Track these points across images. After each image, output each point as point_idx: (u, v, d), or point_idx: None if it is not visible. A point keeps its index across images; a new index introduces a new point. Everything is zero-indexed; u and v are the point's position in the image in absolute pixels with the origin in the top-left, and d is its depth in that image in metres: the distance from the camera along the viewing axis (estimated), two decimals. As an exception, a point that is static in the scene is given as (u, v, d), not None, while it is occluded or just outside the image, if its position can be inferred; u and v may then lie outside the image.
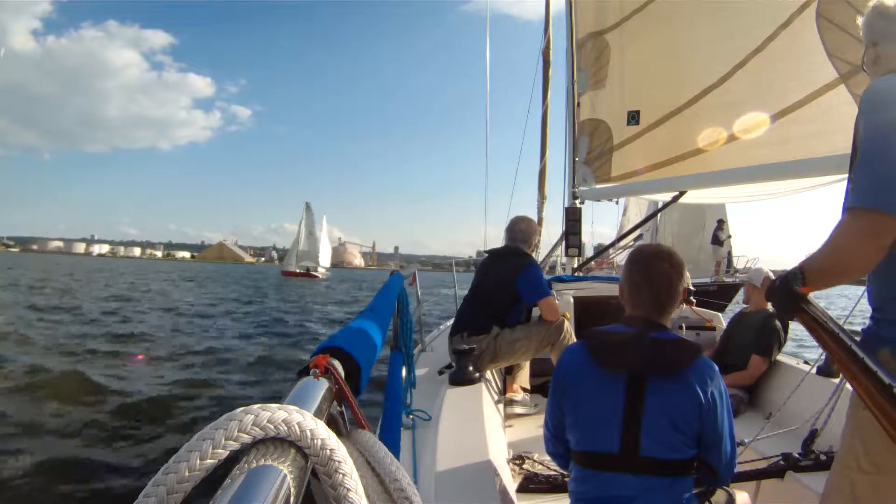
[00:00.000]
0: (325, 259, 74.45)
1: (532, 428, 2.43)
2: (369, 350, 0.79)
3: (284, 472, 0.35)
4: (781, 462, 1.92)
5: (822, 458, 1.90)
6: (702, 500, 1.25)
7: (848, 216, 1.03)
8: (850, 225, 1.03)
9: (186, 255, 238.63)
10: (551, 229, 6.29)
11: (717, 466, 1.20)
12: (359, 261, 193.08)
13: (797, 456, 1.93)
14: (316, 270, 49.02)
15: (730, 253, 13.88)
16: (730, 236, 14.12)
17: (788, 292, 1.10)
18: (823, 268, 1.09)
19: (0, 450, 4.01)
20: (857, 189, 1.02)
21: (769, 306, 2.97)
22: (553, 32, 6.11)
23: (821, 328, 1.07)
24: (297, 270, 47.84)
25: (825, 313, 1.09)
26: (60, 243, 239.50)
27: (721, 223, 13.92)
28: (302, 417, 0.38)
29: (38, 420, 4.78)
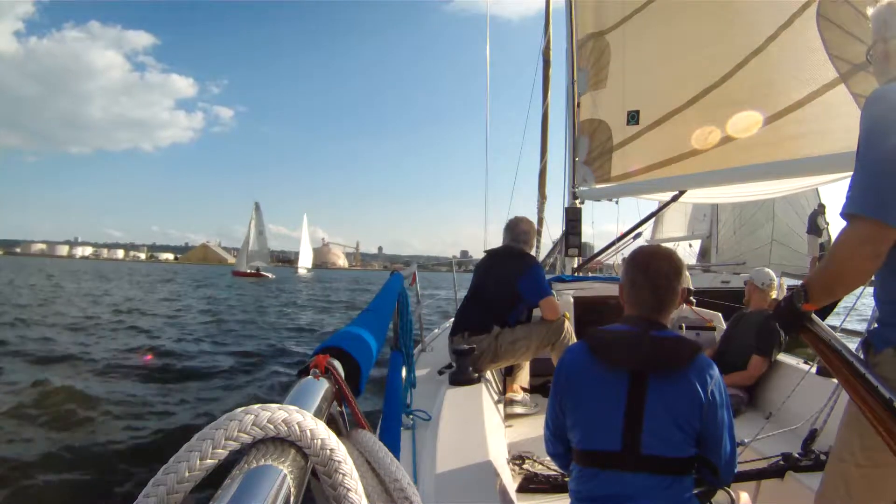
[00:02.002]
0: (306, 259, 74.32)
1: (532, 428, 2.42)
2: (369, 350, 0.79)
3: (284, 472, 0.35)
4: (781, 462, 1.92)
5: (822, 457, 1.90)
6: (702, 501, 1.25)
7: (845, 225, 1.04)
8: (845, 234, 1.04)
9: (170, 256, 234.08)
10: (552, 229, 6.30)
11: (718, 465, 1.20)
12: (342, 261, 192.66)
13: (797, 456, 1.93)
14: (266, 270, 49.76)
15: (823, 245, 10.67)
16: (828, 224, 10.70)
17: (792, 311, 1.11)
18: (823, 282, 1.10)
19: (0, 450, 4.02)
20: (850, 195, 1.03)
21: (769, 306, 2.98)
22: (553, 32, 6.11)
23: (823, 345, 1.09)
24: (248, 270, 48.28)
25: (828, 330, 1.10)
26: (44, 246, 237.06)
27: (823, 208, 10.47)
28: (302, 417, 0.38)
29: (37, 420, 4.78)
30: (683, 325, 3.31)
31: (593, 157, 4.05)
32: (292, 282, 44.54)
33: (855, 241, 1.02)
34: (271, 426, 0.37)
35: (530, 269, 2.62)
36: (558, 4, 6.60)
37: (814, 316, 1.11)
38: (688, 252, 15.11)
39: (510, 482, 1.69)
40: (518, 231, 2.80)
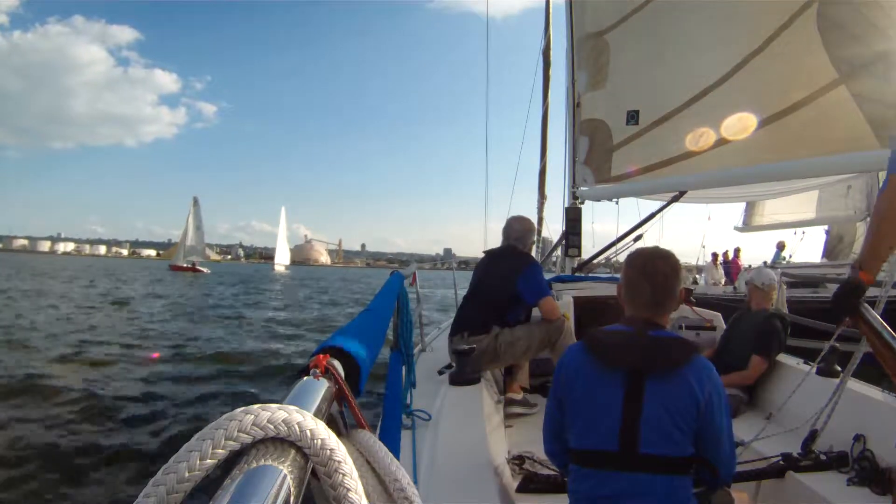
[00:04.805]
0: (283, 256, 74.06)
1: (532, 428, 2.42)
2: (369, 350, 0.79)
3: (284, 472, 0.35)
4: (781, 462, 1.92)
5: (822, 458, 1.91)
6: (702, 501, 1.25)
7: (886, 181, 1.15)
8: (887, 189, 1.14)
9: (152, 253, 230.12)
10: (552, 229, 6.29)
11: (717, 465, 1.20)
12: (325, 258, 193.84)
13: (797, 456, 1.93)
14: (202, 265, 50.71)
15: None
16: None
17: (848, 283, 1.17)
18: (871, 241, 1.18)
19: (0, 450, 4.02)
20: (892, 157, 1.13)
21: (770, 306, 2.98)
22: (553, 32, 6.11)
23: (874, 334, 1.13)
24: (185, 265, 49.12)
25: (879, 321, 1.15)
26: (25, 241, 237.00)
27: None
28: (302, 417, 0.38)
29: (36, 421, 4.78)
30: (683, 325, 3.31)
31: (593, 157, 4.05)
32: (253, 280, 40.98)
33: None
34: (271, 426, 0.37)
35: (528, 269, 2.63)
36: (558, 4, 6.61)
37: (866, 306, 1.17)
38: (813, 243, 11.61)
39: (510, 482, 1.69)
40: (511, 230, 2.81)
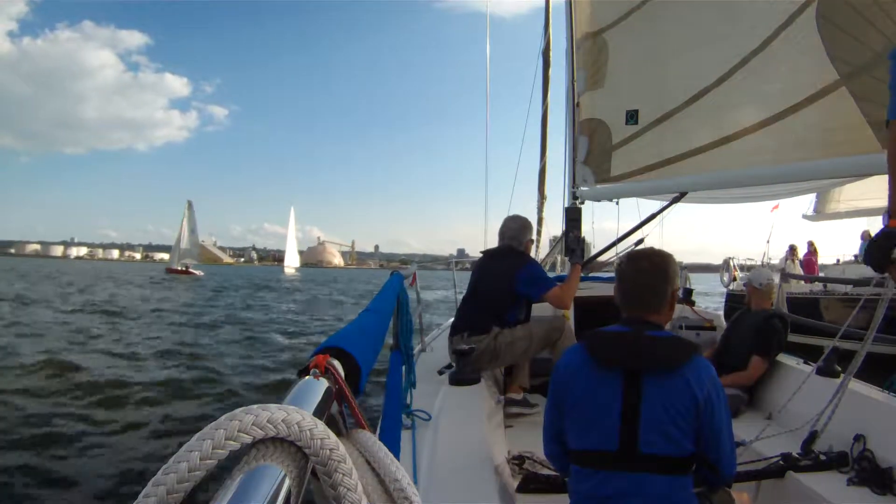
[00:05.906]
0: (293, 259, 74.29)
1: (532, 428, 2.42)
2: (369, 350, 0.79)
3: (284, 472, 0.35)
4: (781, 462, 1.92)
5: (822, 458, 1.91)
6: (702, 500, 1.25)
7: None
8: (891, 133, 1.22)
9: (165, 256, 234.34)
10: (551, 229, 6.29)
11: (718, 464, 1.20)
12: (338, 260, 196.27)
13: (797, 456, 1.93)
14: (196, 268, 51.83)
15: None
16: None
17: (881, 234, 1.22)
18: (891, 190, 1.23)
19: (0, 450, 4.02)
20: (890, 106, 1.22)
21: (770, 306, 2.98)
22: (553, 32, 6.11)
23: None
24: (179, 268, 50.44)
25: None
26: (38, 246, 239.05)
27: None
28: (301, 417, 0.38)
29: (37, 419, 4.78)
30: (683, 325, 3.31)
31: (593, 156, 4.05)
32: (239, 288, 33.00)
33: None
34: (271, 426, 0.37)
35: (526, 268, 2.63)
36: (557, 4, 6.61)
37: None
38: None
39: (510, 482, 1.69)
40: (506, 229, 2.83)
